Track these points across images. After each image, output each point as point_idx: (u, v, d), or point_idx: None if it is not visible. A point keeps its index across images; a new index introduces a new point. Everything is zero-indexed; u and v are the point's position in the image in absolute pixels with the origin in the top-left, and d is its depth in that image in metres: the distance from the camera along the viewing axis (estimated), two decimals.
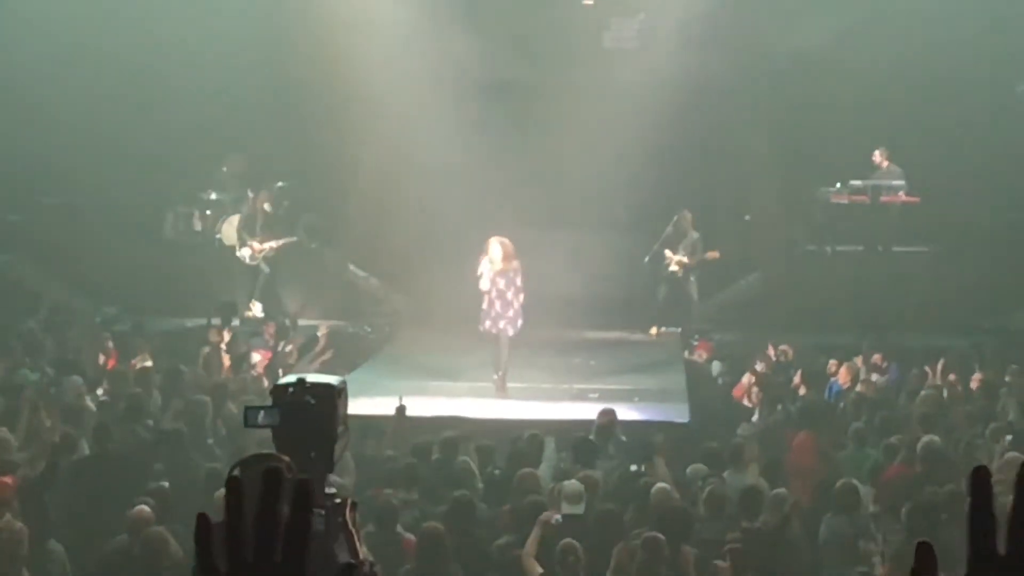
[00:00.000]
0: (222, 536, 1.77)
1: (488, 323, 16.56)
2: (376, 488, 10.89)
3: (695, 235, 19.80)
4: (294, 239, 20.24)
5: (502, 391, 16.45)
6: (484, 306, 16.59)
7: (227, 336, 17.16)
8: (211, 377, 15.46)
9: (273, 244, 19.76)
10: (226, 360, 16.52)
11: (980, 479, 1.74)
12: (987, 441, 13.02)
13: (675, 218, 19.99)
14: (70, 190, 21.79)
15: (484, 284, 16.29)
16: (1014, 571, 1.67)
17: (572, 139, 20.90)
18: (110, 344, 17.42)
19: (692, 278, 20.06)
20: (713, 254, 19.91)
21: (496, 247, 16.41)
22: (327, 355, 17.65)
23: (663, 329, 20.24)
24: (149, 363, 16.28)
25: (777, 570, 9.92)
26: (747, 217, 21.59)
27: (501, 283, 16.42)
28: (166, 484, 11.56)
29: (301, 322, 19.70)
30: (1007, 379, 16.00)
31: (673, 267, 19.93)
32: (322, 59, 21.14)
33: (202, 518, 1.82)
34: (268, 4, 21.72)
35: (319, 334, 18.40)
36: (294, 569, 1.72)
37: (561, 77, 21.89)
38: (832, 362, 16.77)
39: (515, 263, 16.55)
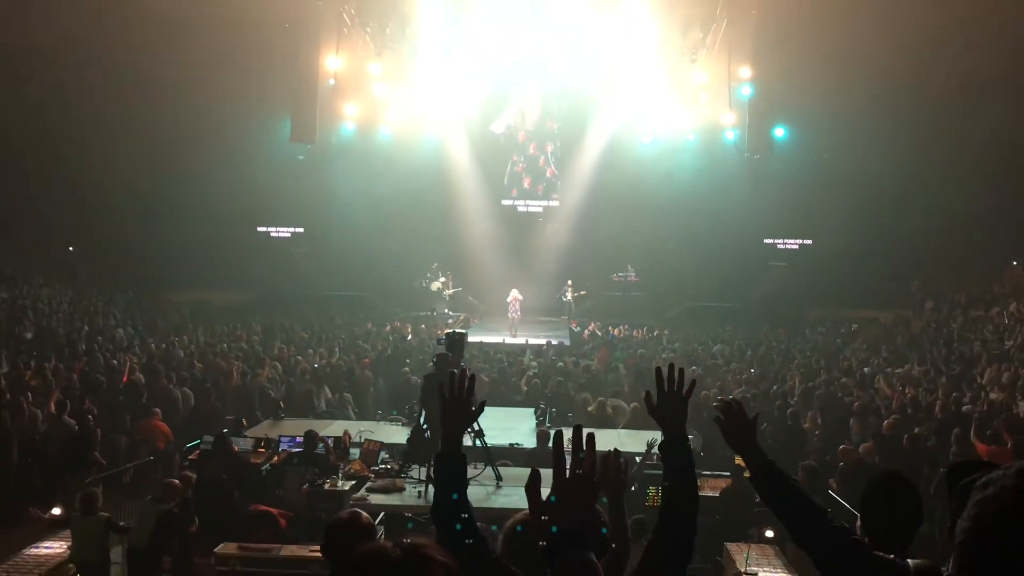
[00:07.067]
0: (447, 388, 1.66)
1: (511, 318, 17.19)
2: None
3: (573, 292, 19.38)
4: (460, 288, 19.89)
5: (515, 336, 16.69)
6: (509, 313, 17.25)
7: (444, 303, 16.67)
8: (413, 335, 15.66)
9: (452, 290, 19.63)
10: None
11: (570, 437, 1.25)
12: (658, 357, 12.98)
13: (566, 283, 19.79)
14: (352, 281, 20.24)
15: (509, 298, 17.26)
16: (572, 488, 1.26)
17: (534, 255, 21.01)
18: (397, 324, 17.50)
19: (573, 303, 19.64)
20: (582, 292, 19.63)
21: (515, 293, 17.39)
22: (461, 321, 18.20)
23: (564, 317, 19.66)
24: (409, 328, 16.78)
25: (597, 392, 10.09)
26: (584, 291, 20.05)
27: (515, 305, 17.45)
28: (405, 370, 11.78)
29: (453, 313, 19.47)
30: (665, 332, 16.92)
31: (567, 298, 19.70)
32: (438, 206, 20.74)
33: (457, 377, 1.64)
34: (421, 185, 20.66)
35: (460, 318, 18.79)
36: (469, 400, 1.60)
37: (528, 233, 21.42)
38: (610, 327, 17.33)
39: (519, 300, 17.41)
